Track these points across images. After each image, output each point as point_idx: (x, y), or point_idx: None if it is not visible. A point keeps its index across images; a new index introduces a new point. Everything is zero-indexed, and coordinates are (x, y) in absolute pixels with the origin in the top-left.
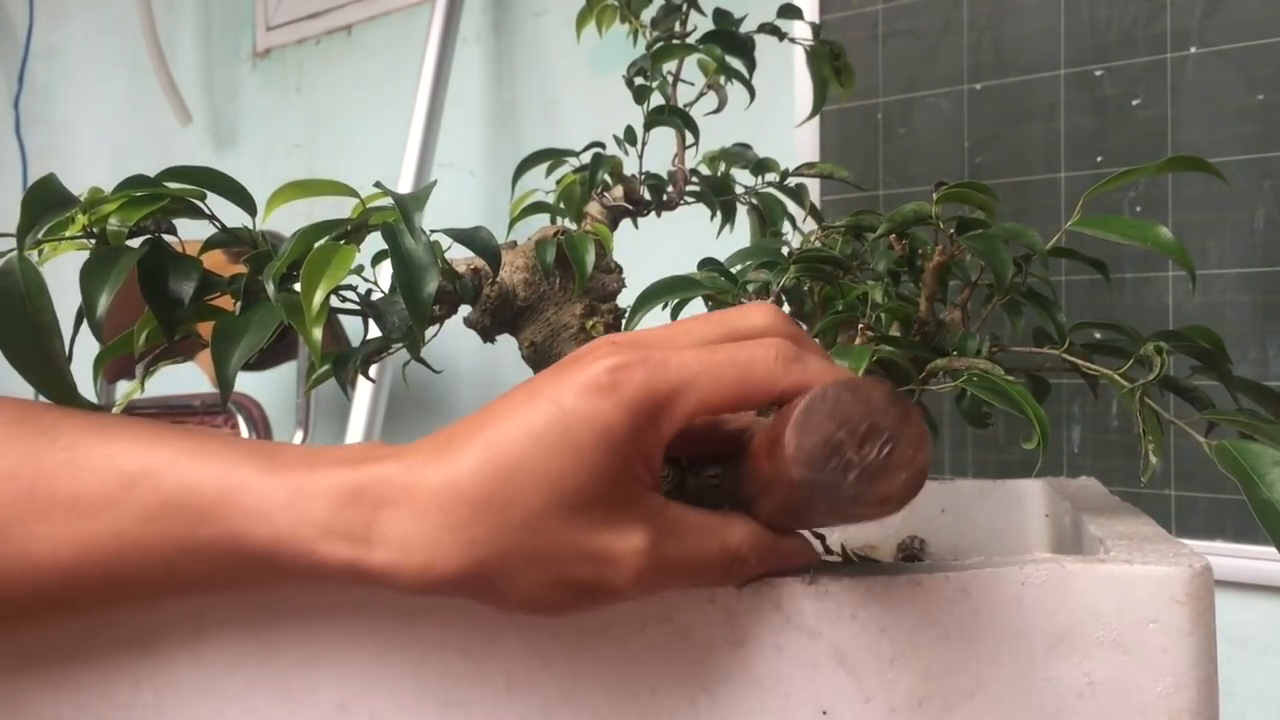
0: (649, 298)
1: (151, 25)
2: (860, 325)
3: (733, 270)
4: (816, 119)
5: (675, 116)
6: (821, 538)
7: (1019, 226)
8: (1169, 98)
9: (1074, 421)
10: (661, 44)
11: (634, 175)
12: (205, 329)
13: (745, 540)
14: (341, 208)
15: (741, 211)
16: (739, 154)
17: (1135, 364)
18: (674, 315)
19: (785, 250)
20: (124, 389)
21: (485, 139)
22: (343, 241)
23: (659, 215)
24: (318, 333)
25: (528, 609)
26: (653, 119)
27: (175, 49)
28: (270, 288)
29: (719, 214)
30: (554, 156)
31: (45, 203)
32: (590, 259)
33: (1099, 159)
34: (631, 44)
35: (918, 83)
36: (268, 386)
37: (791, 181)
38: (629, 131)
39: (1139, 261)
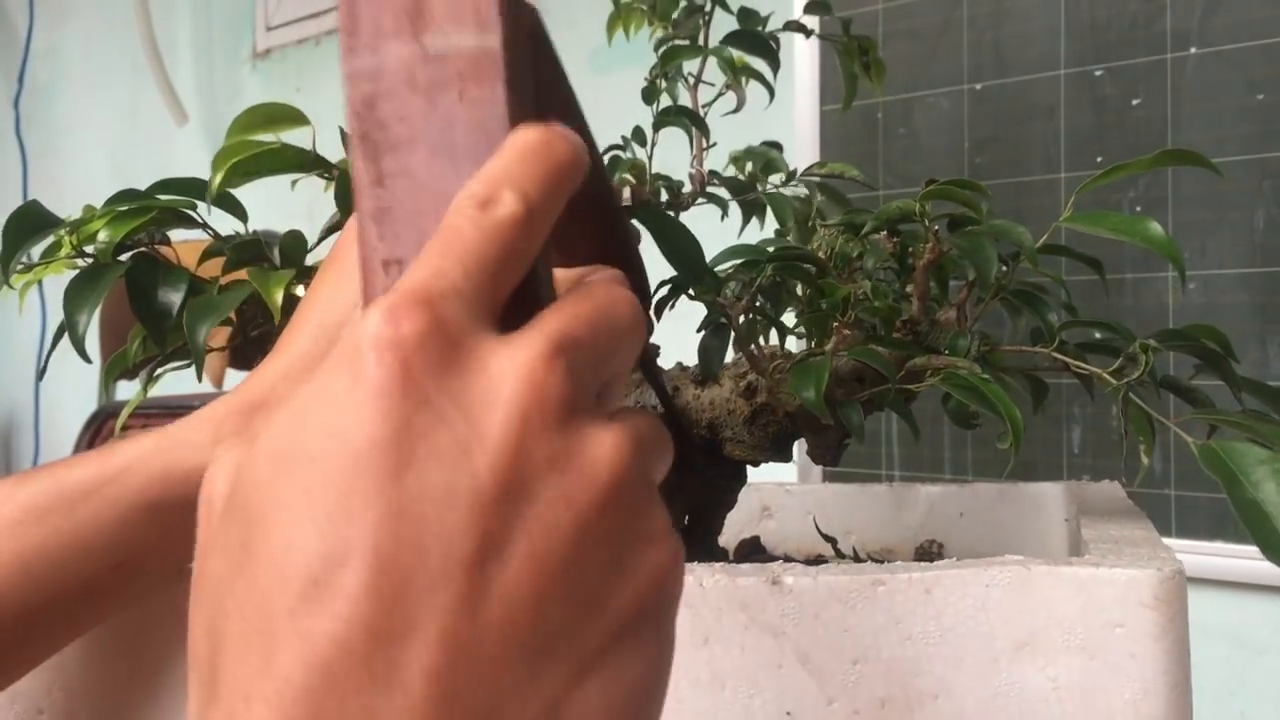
0: None
1: (149, 25)
2: (835, 324)
3: (717, 269)
4: (815, 119)
5: (683, 117)
6: (835, 544)
7: (1008, 224)
8: (1169, 98)
9: (1074, 422)
10: (670, 45)
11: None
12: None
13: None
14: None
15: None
16: (764, 154)
17: (1125, 363)
18: (657, 311)
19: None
20: (125, 386)
21: None
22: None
23: (676, 216)
24: (278, 294)
25: None
26: (661, 120)
27: (175, 49)
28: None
29: (728, 214)
30: None
31: (28, 229)
32: None
33: (1099, 159)
34: (645, 45)
35: (918, 83)
36: None
37: (800, 182)
38: (638, 132)
39: (1139, 262)
